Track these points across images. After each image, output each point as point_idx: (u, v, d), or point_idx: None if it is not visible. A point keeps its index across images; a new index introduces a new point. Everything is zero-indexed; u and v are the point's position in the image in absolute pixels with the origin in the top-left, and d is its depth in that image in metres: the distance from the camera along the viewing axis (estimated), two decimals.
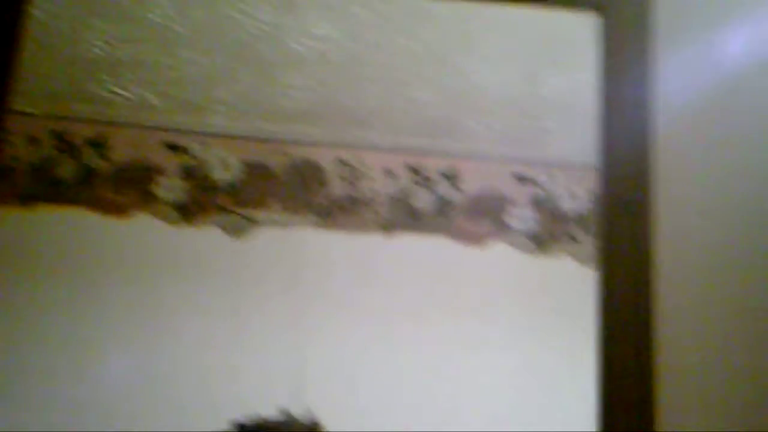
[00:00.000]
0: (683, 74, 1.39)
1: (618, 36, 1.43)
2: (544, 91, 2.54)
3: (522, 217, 2.82)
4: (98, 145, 2.76)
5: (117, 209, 2.72)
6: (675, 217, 1.36)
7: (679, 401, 1.31)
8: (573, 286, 2.64)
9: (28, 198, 2.68)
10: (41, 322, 2.57)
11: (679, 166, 1.37)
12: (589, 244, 2.77)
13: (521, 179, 2.86)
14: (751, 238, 1.37)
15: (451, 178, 2.84)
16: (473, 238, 2.80)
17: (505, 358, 2.66)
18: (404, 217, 2.80)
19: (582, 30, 2.11)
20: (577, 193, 2.83)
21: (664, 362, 1.32)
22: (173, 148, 2.78)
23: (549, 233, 2.82)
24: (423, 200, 2.82)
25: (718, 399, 1.32)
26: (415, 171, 2.83)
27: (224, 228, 2.73)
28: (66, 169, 2.72)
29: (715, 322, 1.35)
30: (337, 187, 2.80)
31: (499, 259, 2.78)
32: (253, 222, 2.74)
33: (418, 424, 2.57)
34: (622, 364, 1.34)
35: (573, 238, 2.81)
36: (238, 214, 2.74)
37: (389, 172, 2.83)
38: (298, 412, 1.71)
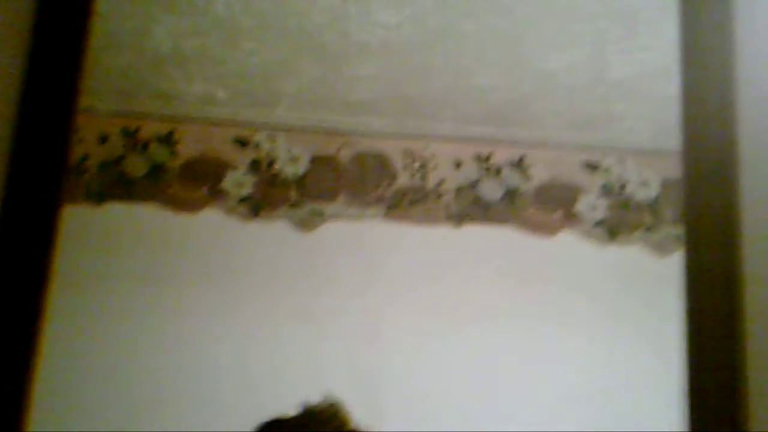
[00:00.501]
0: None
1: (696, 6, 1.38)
2: (612, 75, 2.49)
3: (592, 206, 2.78)
4: (167, 141, 2.77)
5: (187, 205, 2.73)
6: (764, 195, 1.31)
7: None
8: (647, 275, 2.59)
9: (98, 195, 2.70)
10: (112, 320, 2.59)
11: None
12: (661, 231, 2.71)
13: (591, 167, 2.81)
14: None
15: (519, 166, 2.81)
16: (543, 228, 2.76)
17: (580, 352, 2.62)
18: (473, 207, 2.77)
19: (654, 4, 2.07)
20: (649, 180, 2.78)
21: (754, 351, 1.27)
22: (241, 142, 2.78)
23: (620, 221, 2.77)
24: (491, 190, 2.79)
25: None
26: (483, 160, 2.80)
27: (293, 221, 2.73)
28: (136, 166, 2.74)
29: None
30: (405, 179, 2.78)
31: (570, 250, 2.74)
32: (321, 215, 2.73)
33: (493, 421, 2.55)
34: (709, 355, 1.29)
35: (645, 226, 2.76)
36: (306, 207, 2.74)
37: (457, 162, 2.80)
38: (315, 401, 1.70)
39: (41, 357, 1.35)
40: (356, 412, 1.72)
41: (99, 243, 2.66)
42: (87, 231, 2.67)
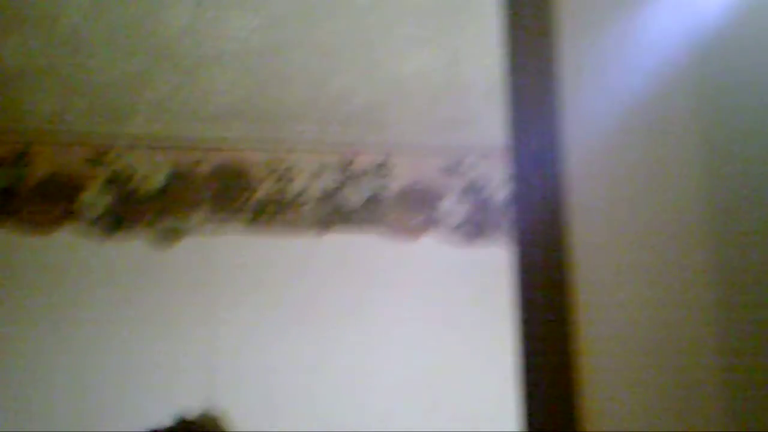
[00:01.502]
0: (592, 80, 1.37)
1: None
2: (466, 75, 2.50)
3: (451, 210, 2.79)
4: (20, 158, 2.68)
5: (40, 224, 2.64)
6: (587, 193, 1.33)
7: (603, 386, 1.28)
8: (503, 276, 2.60)
9: None
10: None
11: (590, 135, 1.34)
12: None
13: (449, 170, 2.82)
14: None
15: (380, 171, 2.80)
16: (405, 233, 2.76)
17: (436, 350, 2.65)
18: (335, 215, 2.75)
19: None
20: (504, 180, 2.80)
21: (585, 343, 1.29)
22: (96, 160, 2.70)
23: (477, 224, 2.78)
24: (353, 196, 2.77)
25: (638, 383, 1.30)
26: (345, 167, 2.79)
27: (150, 239, 2.67)
28: None
29: (634, 299, 1.32)
30: (266, 189, 2.75)
31: (430, 254, 2.75)
32: (178, 231, 2.68)
33: (336, 423, 2.55)
34: (542, 351, 1.31)
35: (503, 228, 2.78)
36: (165, 224, 2.68)
37: (319, 170, 2.78)
38: (189, 413, 1.67)
39: None
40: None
41: None
42: None
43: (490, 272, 2.68)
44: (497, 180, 2.82)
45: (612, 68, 1.38)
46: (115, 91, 2.56)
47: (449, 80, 2.53)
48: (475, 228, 2.78)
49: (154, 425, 1.72)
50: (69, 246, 2.63)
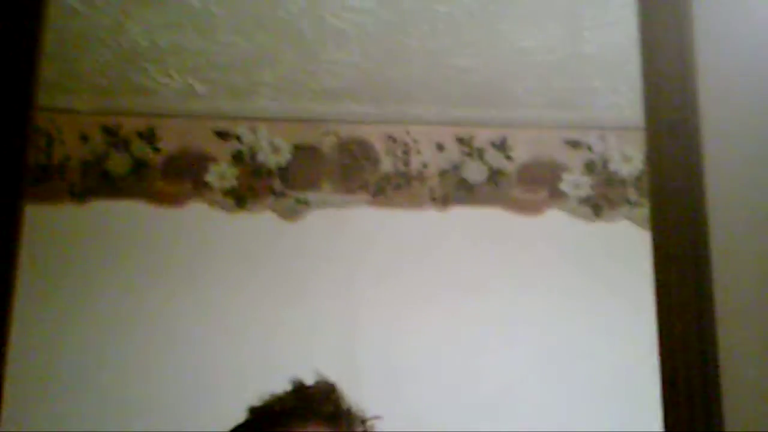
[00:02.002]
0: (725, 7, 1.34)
1: None
2: (589, 49, 2.48)
3: (576, 183, 2.77)
4: (148, 136, 2.77)
5: (170, 199, 2.73)
6: (726, 169, 1.31)
7: (743, 364, 1.26)
8: (632, 250, 2.59)
9: (81, 194, 2.70)
10: (101, 317, 2.60)
11: (728, 114, 1.32)
12: (646, 206, 2.70)
13: (572, 144, 2.80)
14: None
15: (501, 147, 2.80)
16: (528, 208, 2.76)
17: (566, 326, 2.63)
18: (456, 190, 2.76)
19: None
20: (631, 155, 2.78)
21: (724, 319, 1.27)
22: (222, 135, 2.77)
23: (604, 198, 2.76)
24: (474, 172, 2.78)
25: None
26: (464, 142, 2.80)
27: (277, 211, 2.73)
28: (118, 163, 2.74)
29: None
30: (388, 164, 2.77)
31: (555, 227, 2.74)
32: (305, 204, 2.73)
33: (476, 397, 2.56)
34: (681, 332, 1.29)
35: (630, 202, 2.75)
36: (291, 197, 2.74)
37: (439, 145, 2.79)
38: (311, 380, 1.67)
39: (21, 356, 1.35)
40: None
41: (85, 241, 2.66)
42: (72, 230, 2.67)
43: (617, 246, 2.68)
44: (622, 154, 2.79)
45: (751, 34, 1.35)
46: (240, 69, 2.61)
47: (572, 54, 2.51)
48: (600, 202, 2.76)
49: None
50: (199, 218, 2.71)
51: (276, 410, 1.67)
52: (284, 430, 1.64)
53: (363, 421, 1.68)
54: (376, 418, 1.70)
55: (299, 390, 1.69)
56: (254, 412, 1.69)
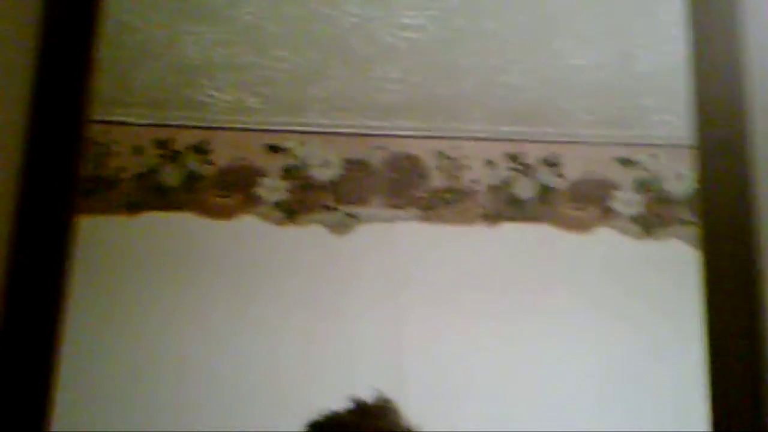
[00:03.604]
0: None
1: None
2: (639, 68, 2.47)
3: (626, 201, 2.75)
4: (200, 150, 2.80)
5: (222, 212, 2.75)
6: None
7: None
8: (683, 269, 2.56)
9: (133, 206, 2.73)
10: (152, 328, 2.62)
11: None
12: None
13: (624, 162, 2.79)
14: None
15: (552, 164, 2.79)
16: (577, 225, 2.75)
17: (615, 346, 2.61)
18: (506, 206, 2.76)
19: None
20: (683, 173, 2.75)
21: None
22: (273, 149, 2.80)
23: (655, 216, 2.74)
24: (525, 188, 2.77)
25: None
26: (515, 159, 2.79)
27: (327, 225, 2.74)
28: (170, 176, 2.77)
29: None
30: (438, 179, 2.78)
31: (606, 245, 2.72)
32: (355, 218, 2.74)
33: (523, 414, 2.54)
34: (731, 351, 1.28)
35: (681, 220, 2.73)
36: (340, 211, 2.75)
37: (489, 162, 2.79)
38: (367, 397, 1.67)
39: (73, 366, 1.37)
40: None
41: (135, 252, 2.69)
42: (125, 242, 2.70)
43: (669, 266, 2.65)
44: (673, 173, 2.77)
45: None
46: (290, 84, 2.63)
47: (621, 73, 2.51)
48: (651, 220, 2.74)
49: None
50: (249, 231, 2.73)
51: (335, 427, 1.68)
52: None
53: None
54: None
55: (359, 407, 1.69)
56: (314, 427, 1.70)
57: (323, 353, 2.59)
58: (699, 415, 1.26)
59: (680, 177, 2.75)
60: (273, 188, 2.76)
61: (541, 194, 2.77)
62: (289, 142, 2.81)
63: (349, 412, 1.70)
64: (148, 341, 2.61)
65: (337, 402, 1.73)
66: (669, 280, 2.58)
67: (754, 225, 1.29)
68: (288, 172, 2.78)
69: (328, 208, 2.75)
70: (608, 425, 2.54)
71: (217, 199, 2.76)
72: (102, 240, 2.64)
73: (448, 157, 2.79)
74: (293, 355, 2.60)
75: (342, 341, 2.60)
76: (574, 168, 2.79)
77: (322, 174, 2.78)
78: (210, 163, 2.79)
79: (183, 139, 2.81)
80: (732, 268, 1.31)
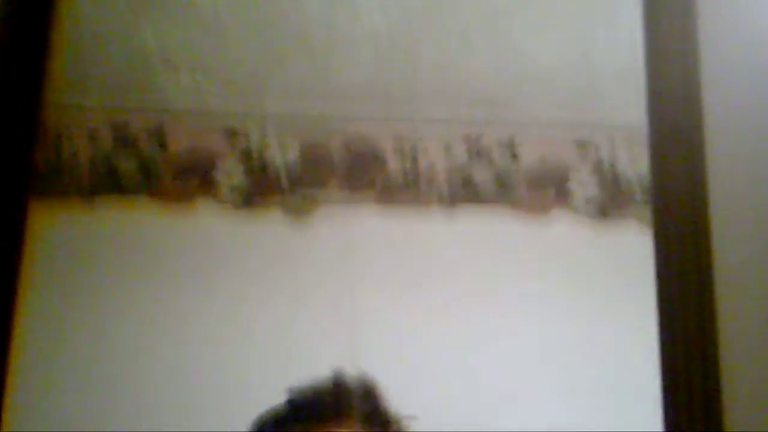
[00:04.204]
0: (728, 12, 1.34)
1: None
2: (596, 52, 2.49)
3: (584, 184, 2.78)
4: (156, 134, 2.78)
5: (178, 197, 2.74)
6: (728, 172, 1.31)
7: (744, 368, 1.27)
8: (637, 250, 2.59)
9: (89, 192, 2.71)
10: (106, 314, 2.60)
11: (731, 116, 1.32)
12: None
13: (581, 145, 2.81)
14: None
15: (509, 147, 2.81)
16: (535, 209, 2.77)
17: (570, 327, 2.64)
18: (464, 189, 2.77)
19: None
20: (639, 156, 2.77)
21: (725, 325, 1.28)
22: (230, 132, 2.78)
23: (611, 198, 2.76)
24: (482, 171, 2.79)
25: None
26: (472, 142, 2.80)
27: (285, 208, 2.74)
28: (125, 160, 2.75)
29: None
30: (395, 163, 2.78)
31: (563, 229, 2.74)
32: (313, 202, 2.74)
33: (476, 400, 2.56)
34: (683, 330, 1.30)
35: (636, 202, 2.75)
36: (298, 195, 2.74)
37: (447, 146, 2.80)
38: (351, 374, 1.67)
39: (25, 355, 1.35)
40: None
41: (92, 238, 2.67)
42: (79, 227, 2.68)
43: (624, 249, 2.68)
44: (629, 155, 2.79)
45: (755, 40, 1.36)
46: (249, 70, 2.63)
47: (579, 58, 2.53)
48: (606, 204, 2.76)
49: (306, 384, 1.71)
50: (207, 216, 2.72)
51: (313, 406, 1.66)
52: (320, 429, 1.64)
53: (398, 421, 1.68)
54: (412, 417, 1.70)
55: (338, 386, 1.68)
56: (292, 403, 1.68)
57: (282, 339, 2.58)
58: (652, 393, 1.28)
59: (637, 160, 2.77)
60: (230, 172, 2.75)
61: (499, 178, 2.78)
62: (246, 127, 2.79)
63: (328, 390, 1.68)
64: (105, 330, 2.59)
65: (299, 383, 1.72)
66: (624, 261, 2.61)
67: (705, 208, 1.31)
68: (245, 157, 2.77)
69: (285, 191, 2.75)
70: (562, 407, 2.57)
71: (174, 183, 2.75)
72: (56, 225, 2.62)
73: (405, 142, 2.79)
74: (252, 341, 2.60)
75: (300, 327, 2.60)
76: (530, 153, 2.81)
77: (280, 158, 2.78)
78: (166, 147, 2.77)
79: (138, 124, 2.78)
80: (684, 249, 1.34)
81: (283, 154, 2.77)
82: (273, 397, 1.70)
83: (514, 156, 2.79)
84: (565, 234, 2.74)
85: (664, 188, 1.33)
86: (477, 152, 2.79)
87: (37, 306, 2.29)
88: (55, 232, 2.60)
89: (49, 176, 2.69)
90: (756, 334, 1.25)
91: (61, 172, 2.71)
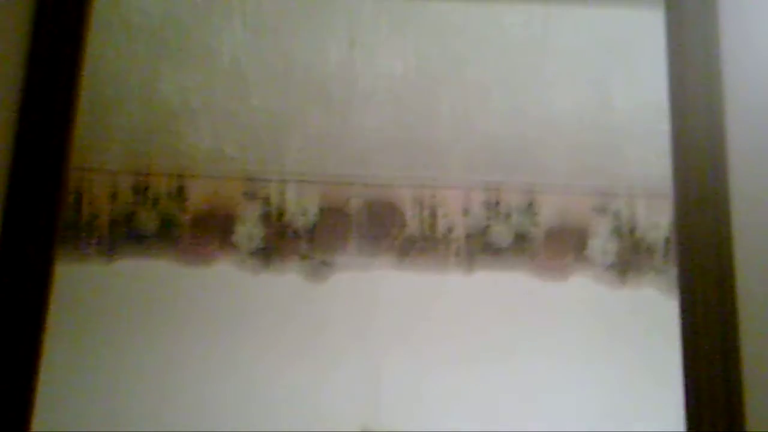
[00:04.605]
0: (752, 64, 1.35)
1: (683, 28, 1.40)
2: (617, 117, 2.50)
3: (603, 249, 2.77)
4: (177, 196, 2.79)
5: (197, 259, 2.74)
6: (755, 237, 1.31)
7: None
8: (658, 317, 2.58)
9: (109, 252, 2.72)
10: (125, 376, 2.60)
11: (757, 176, 1.32)
12: (672, 273, 2.70)
13: (600, 210, 2.80)
14: None
15: (528, 211, 2.81)
16: (554, 273, 2.76)
17: (590, 393, 2.61)
18: (483, 253, 2.76)
19: (650, 33, 2.05)
20: (659, 222, 2.77)
21: (751, 388, 1.26)
22: (250, 195, 2.79)
23: (631, 264, 2.75)
24: (501, 236, 2.78)
25: None
26: (491, 206, 2.80)
27: (303, 273, 2.73)
28: (146, 222, 2.76)
29: None
30: (415, 226, 2.78)
31: (582, 293, 2.73)
32: (330, 266, 2.74)
33: None
34: (708, 397, 1.29)
35: (656, 269, 2.74)
36: (316, 259, 2.74)
37: (465, 209, 2.80)
38: None
39: (49, 403, 1.35)
40: None
41: (111, 300, 2.67)
42: (99, 287, 2.68)
43: (644, 313, 2.67)
44: (649, 221, 2.78)
45: None
46: (269, 128, 2.64)
47: (598, 122, 2.53)
48: (626, 268, 2.75)
49: None
50: (226, 278, 2.72)
51: None
52: None
53: None
54: None
55: None
56: None
57: (299, 401, 2.57)
58: None
59: (656, 225, 2.77)
60: (249, 236, 2.76)
61: (517, 242, 2.78)
62: (266, 190, 2.80)
63: None
64: (123, 389, 2.59)
65: None
66: (644, 328, 2.60)
67: (731, 273, 1.30)
68: (264, 220, 2.78)
69: (304, 255, 2.75)
70: None
71: (193, 246, 2.75)
72: (77, 287, 2.63)
73: (425, 205, 2.80)
74: (270, 403, 2.59)
75: (318, 389, 2.59)
76: (550, 215, 2.80)
77: (299, 221, 2.78)
78: (185, 209, 2.78)
79: (159, 185, 2.80)
80: (709, 316, 1.33)
81: (302, 217, 2.78)
82: None
83: (534, 220, 2.79)
84: (583, 298, 2.73)
85: (690, 256, 1.33)
86: (496, 216, 2.79)
87: (57, 365, 2.29)
88: (76, 294, 2.61)
89: (69, 237, 2.70)
90: None
91: (81, 232, 2.72)
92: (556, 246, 2.78)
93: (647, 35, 2.12)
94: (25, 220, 1.16)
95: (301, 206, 2.79)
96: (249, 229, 2.76)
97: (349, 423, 2.43)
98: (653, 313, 2.57)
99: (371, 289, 2.72)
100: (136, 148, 2.74)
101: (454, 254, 2.76)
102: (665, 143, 2.28)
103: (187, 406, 2.59)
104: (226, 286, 2.72)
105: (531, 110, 2.49)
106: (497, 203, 2.80)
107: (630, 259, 2.76)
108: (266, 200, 2.79)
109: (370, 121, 2.55)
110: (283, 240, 2.76)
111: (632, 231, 2.78)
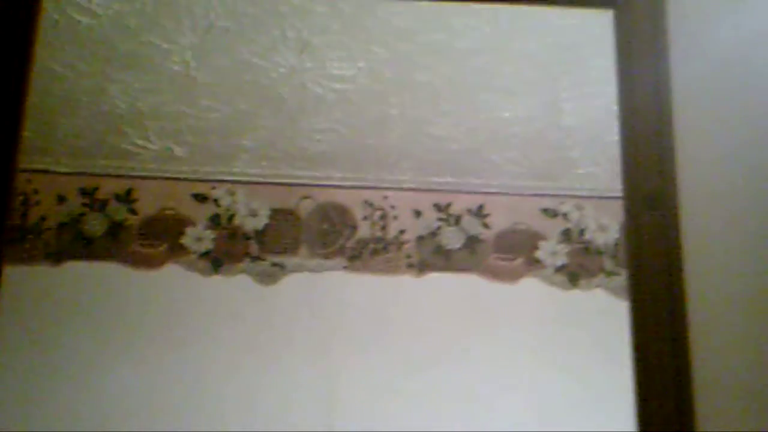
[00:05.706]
0: (700, 67, 1.37)
1: (632, 32, 1.41)
2: (566, 120, 2.52)
3: (553, 251, 2.79)
4: (126, 199, 2.76)
5: (146, 262, 2.72)
6: (704, 239, 1.32)
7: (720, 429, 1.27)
8: (607, 320, 2.60)
9: (57, 255, 2.69)
10: (74, 378, 2.57)
11: (705, 178, 1.34)
12: (622, 276, 2.73)
13: (550, 213, 2.83)
14: None
15: (479, 215, 2.82)
16: (504, 275, 2.77)
17: (541, 393, 2.63)
18: (434, 256, 2.77)
19: (597, 35, 2.06)
20: (608, 225, 2.80)
21: (701, 389, 1.28)
22: (200, 198, 2.78)
23: (580, 267, 2.78)
24: (452, 239, 2.79)
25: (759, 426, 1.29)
26: (443, 209, 2.81)
27: (253, 275, 2.72)
28: (94, 225, 2.73)
29: (754, 338, 1.31)
30: (365, 229, 2.78)
31: (532, 295, 2.75)
32: (281, 268, 2.73)
33: None
34: (659, 398, 1.30)
35: (606, 271, 2.77)
36: (267, 261, 2.73)
37: (417, 212, 2.81)
38: None
39: None
40: None
41: (58, 302, 2.64)
42: (47, 291, 2.65)
43: (593, 315, 2.69)
44: (597, 224, 2.81)
45: (731, 107, 1.38)
46: (219, 133, 2.62)
47: (549, 126, 2.55)
48: (577, 271, 2.78)
49: None
50: (175, 281, 2.70)
51: None
52: None
53: None
54: None
55: None
56: None
57: (251, 403, 2.56)
58: None
59: (604, 228, 2.80)
60: (199, 238, 2.74)
61: (468, 244, 2.79)
62: (215, 192, 2.79)
63: None
64: (70, 391, 2.56)
65: None
66: (595, 329, 2.62)
67: (680, 274, 1.31)
68: (214, 222, 2.76)
69: (254, 258, 2.74)
70: None
71: (142, 248, 2.73)
72: (24, 290, 2.59)
73: (376, 208, 2.80)
74: (220, 406, 2.57)
75: (270, 391, 2.58)
76: (500, 218, 2.82)
77: (249, 224, 2.77)
78: (135, 212, 2.76)
79: (108, 188, 2.77)
80: (659, 318, 1.34)
81: (252, 220, 2.77)
82: None
83: (484, 222, 2.81)
84: (533, 300, 2.75)
85: (640, 257, 1.34)
86: (447, 218, 2.80)
87: (4, 367, 2.27)
88: (24, 297, 2.58)
89: (17, 241, 2.67)
90: (732, 397, 1.26)
91: (28, 235, 2.68)
92: (507, 248, 2.79)
93: (597, 38, 2.14)
94: None
95: (252, 208, 2.78)
96: (199, 232, 2.74)
97: (304, 423, 2.42)
98: (603, 315, 2.59)
99: (322, 290, 2.72)
100: (84, 151, 2.71)
101: (405, 256, 2.76)
102: (614, 146, 2.31)
103: (137, 406, 2.57)
104: (176, 288, 2.70)
105: (481, 113, 2.49)
106: (448, 206, 2.81)
107: (580, 261, 2.78)
108: (216, 202, 2.78)
109: (320, 124, 2.55)
110: (233, 242, 2.75)
111: (582, 234, 2.81)
